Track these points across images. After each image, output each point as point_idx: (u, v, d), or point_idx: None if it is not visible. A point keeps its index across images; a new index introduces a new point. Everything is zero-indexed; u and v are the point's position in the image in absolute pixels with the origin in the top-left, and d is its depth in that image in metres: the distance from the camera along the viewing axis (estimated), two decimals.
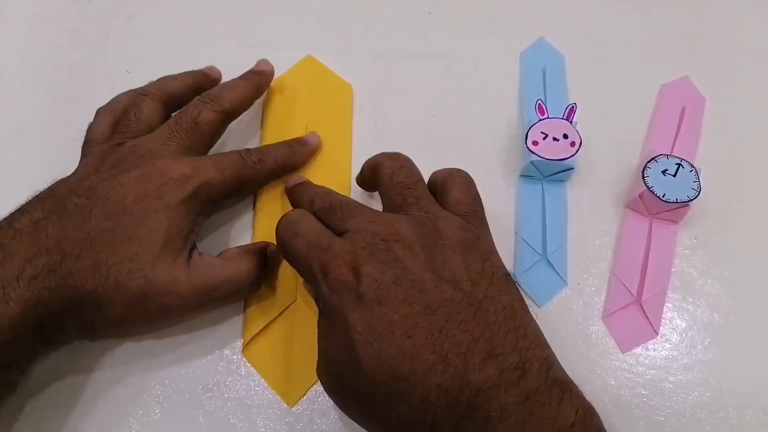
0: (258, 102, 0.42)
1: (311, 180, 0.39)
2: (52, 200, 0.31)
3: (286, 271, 0.37)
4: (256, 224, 0.38)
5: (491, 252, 0.29)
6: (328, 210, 0.31)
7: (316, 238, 0.29)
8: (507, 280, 0.28)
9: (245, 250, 0.35)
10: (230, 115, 0.38)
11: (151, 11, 0.47)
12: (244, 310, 0.36)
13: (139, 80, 0.43)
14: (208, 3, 0.47)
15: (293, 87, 0.43)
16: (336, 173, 0.40)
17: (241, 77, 0.40)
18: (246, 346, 0.35)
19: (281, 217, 0.31)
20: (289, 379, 0.34)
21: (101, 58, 0.45)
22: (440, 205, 0.31)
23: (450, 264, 0.27)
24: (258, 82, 0.40)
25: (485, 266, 0.28)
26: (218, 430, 0.34)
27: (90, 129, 0.37)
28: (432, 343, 0.25)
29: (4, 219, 0.30)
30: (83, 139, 0.36)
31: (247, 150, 0.36)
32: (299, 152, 0.39)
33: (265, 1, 0.47)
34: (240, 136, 0.42)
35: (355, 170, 0.40)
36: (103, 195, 0.31)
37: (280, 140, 0.41)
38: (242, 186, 0.36)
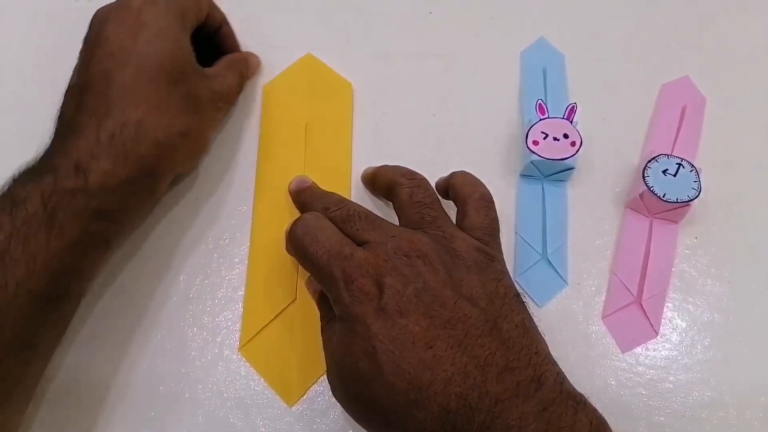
0: (256, 100, 0.42)
1: (312, 178, 0.39)
2: (76, 83, 0.34)
3: (285, 272, 0.37)
4: (255, 222, 0.38)
5: (504, 272, 0.30)
6: (346, 219, 0.31)
7: (337, 246, 0.29)
8: (518, 300, 0.29)
9: (229, 63, 0.39)
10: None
11: None
12: (244, 309, 0.36)
13: None
14: None
15: (292, 85, 0.43)
16: (336, 172, 0.40)
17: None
18: (244, 344, 0.35)
19: (297, 221, 0.31)
20: (288, 378, 0.35)
21: None
22: (458, 222, 0.33)
23: (467, 282, 0.28)
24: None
25: (498, 286, 0.29)
26: (218, 430, 0.34)
27: None
28: (452, 355, 0.26)
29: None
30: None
31: None
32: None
33: (265, 0, 0.47)
34: (237, 134, 0.42)
35: (355, 168, 0.40)
36: (106, 47, 0.33)
37: (280, 140, 0.41)
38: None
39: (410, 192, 0.33)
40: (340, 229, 0.31)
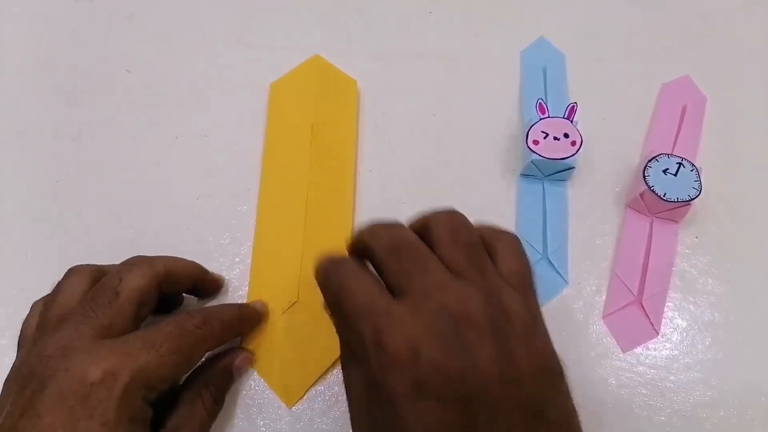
0: (262, 102, 0.42)
1: (317, 177, 0.38)
2: None
3: (287, 272, 0.37)
4: (258, 221, 0.38)
5: (548, 337, 0.26)
6: (393, 250, 0.26)
7: (370, 299, 0.25)
8: (563, 378, 0.25)
9: (199, 387, 0.31)
10: (163, 281, 0.31)
11: (151, 11, 0.47)
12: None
13: (139, 80, 0.44)
14: (208, 3, 0.47)
15: (299, 84, 0.43)
16: (341, 173, 0.40)
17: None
18: (244, 345, 0.35)
19: (327, 264, 0.27)
20: (288, 379, 0.34)
21: (101, 58, 0.45)
22: None
23: (516, 359, 0.24)
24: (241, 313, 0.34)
25: (545, 360, 0.25)
26: (218, 429, 0.33)
27: (23, 324, 0.31)
28: None
29: None
30: (83, 139, 0.35)
31: (188, 313, 0.30)
32: (248, 316, 0.34)
33: (265, 1, 0.47)
34: (241, 132, 0.42)
35: (360, 169, 0.40)
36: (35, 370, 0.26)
37: (285, 138, 0.40)
38: (187, 359, 0.29)
39: (452, 229, 0.27)
40: (382, 266, 0.26)
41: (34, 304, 0.32)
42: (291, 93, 0.43)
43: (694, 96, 0.43)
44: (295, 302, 0.36)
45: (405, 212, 0.39)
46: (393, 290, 0.25)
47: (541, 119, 0.39)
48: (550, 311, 0.37)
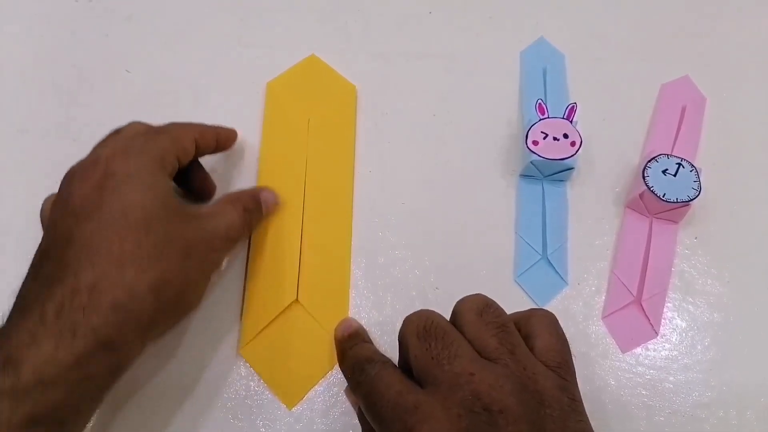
0: (261, 102, 0.42)
1: (314, 178, 0.39)
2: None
3: (286, 272, 0.37)
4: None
5: (585, 416, 0.25)
6: (422, 336, 0.26)
7: (400, 396, 0.24)
8: None
9: (230, 199, 0.34)
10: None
11: (151, 11, 0.47)
12: (244, 310, 0.36)
13: (139, 80, 0.44)
14: (208, 3, 0.47)
15: (296, 84, 0.43)
16: (339, 172, 0.40)
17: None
18: (244, 346, 0.35)
19: (354, 363, 0.28)
20: (288, 380, 0.34)
21: (101, 58, 0.45)
22: (525, 342, 0.27)
23: None
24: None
25: None
26: (218, 430, 0.34)
27: None
28: None
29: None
30: (83, 139, 0.36)
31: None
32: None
33: (265, 1, 0.47)
34: (243, 137, 0.42)
35: (360, 169, 0.40)
36: (70, 204, 0.29)
37: (282, 139, 0.41)
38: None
39: (478, 310, 0.27)
40: (413, 350, 0.26)
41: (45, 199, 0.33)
42: (287, 91, 0.43)
43: (694, 96, 0.43)
44: (294, 302, 0.36)
45: (405, 212, 0.39)
46: (422, 380, 0.25)
47: (540, 120, 0.39)
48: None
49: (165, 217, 0.29)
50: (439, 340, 0.25)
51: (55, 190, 0.31)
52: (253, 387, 0.35)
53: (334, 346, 0.32)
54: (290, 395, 0.34)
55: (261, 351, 0.35)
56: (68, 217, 0.29)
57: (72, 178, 0.30)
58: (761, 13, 0.47)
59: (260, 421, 0.34)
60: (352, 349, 0.30)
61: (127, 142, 0.32)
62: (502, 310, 0.27)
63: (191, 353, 0.35)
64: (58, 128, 0.42)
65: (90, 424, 0.33)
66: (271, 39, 0.46)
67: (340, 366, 0.30)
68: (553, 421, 0.24)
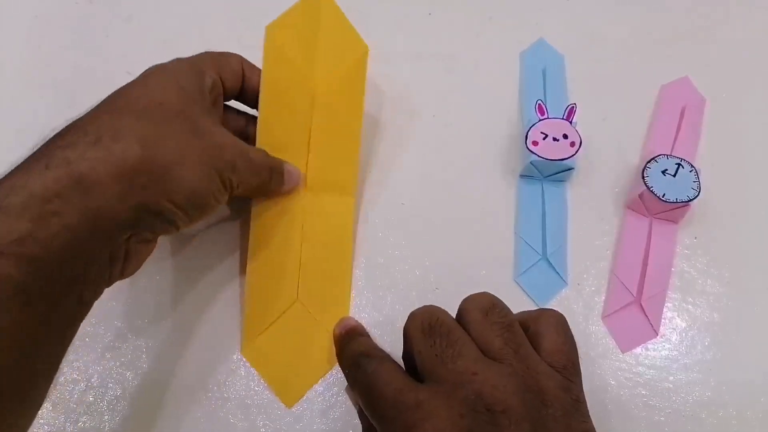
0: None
1: (317, 157, 0.37)
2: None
3: (286, 272, 0.37)
4: (254, 218, 0.37)
5: (588, 417, 0.25)
6: (426, 332, 0.26)
7: (400, 393, 0.24)
8: None
9: (269, 157, 0.34)
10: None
11: (151, 11, 0.47)
12: (244, 311, 0.36)
13: None
14: (208, 3, 0.47)
15: (300, 34, 0.36)
16: (344, 148, 0.38)
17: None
18: (245, 345, 0.35)
19: (352, 357, 0.27)
20: (288, 380, 0.35)
21: (101, 58, 0.45)
22: (531, 343, 0.27)
23: None
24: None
25: None
26: (218, 430, 0.34)
27: None
28: None
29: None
30: None
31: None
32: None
33: (265, 1, 0.47)
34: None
35: (360, 169, 0.40)
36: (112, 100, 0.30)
37: (280, 124, 0.36)
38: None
39: (484, 309, 0.27)
40: (417, 346, 0.26)
41: None
42: (290, 43, 0.36)
43: (693, 97, 0.43)
44: (295, 302, 0.36)
45: (405, 212, 0.39)
46: (424, 376, 0.25)
47: (540, 120, 0.39)
48: None
49: (199, 112, 0.30)
50: (444, 337, 0.25)
51: None
52: (253, 387, 0.35)
53: (334, 345, 0.32)
54: (290, 395, 0.34)
55: (262, 351, 0.35)
56: (119, 92, 0.30)
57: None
58: (761, 13, 0.47)
59: (260, 420, 0.34)
60: (349, 345, 0.29)
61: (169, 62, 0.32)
62: (508, 309, 0.27)
63: (192, 354, 0.35)
64: (58, 128, 0.42)
65: (91, 424, 0.33)
66: None
67: (339, 363, 0.29)
68: (555, 421, 0.23)
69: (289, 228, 0.37)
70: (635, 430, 0.34)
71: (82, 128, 0.27)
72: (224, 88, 0.34)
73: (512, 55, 0.45)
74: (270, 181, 0.34)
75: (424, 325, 0.26)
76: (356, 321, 0.33)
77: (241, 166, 0.31)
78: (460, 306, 0.27)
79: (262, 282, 0.36)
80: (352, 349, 0.28)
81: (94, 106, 0.29)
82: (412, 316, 0.27)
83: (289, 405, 0.34)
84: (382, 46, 0.46)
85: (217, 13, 0.47)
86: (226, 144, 0.30)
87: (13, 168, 0.25)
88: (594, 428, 0.25)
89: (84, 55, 0.45)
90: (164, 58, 0.45)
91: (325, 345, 0.35)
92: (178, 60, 0.33)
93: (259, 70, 0.35)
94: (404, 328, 0.27)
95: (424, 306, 0.27)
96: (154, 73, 0.31)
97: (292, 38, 0.35)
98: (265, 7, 0.47)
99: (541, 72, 0.44)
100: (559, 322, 0.27)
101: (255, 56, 0.44)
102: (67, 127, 0.28)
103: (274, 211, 0.37)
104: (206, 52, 0.34)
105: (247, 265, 0.37)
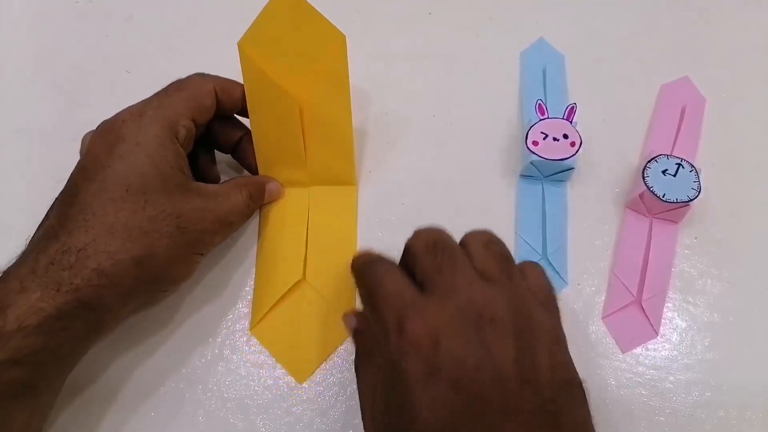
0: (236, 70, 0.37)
1: (316, 154, 0.38)
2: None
3: (292, 255, 0.37)
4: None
5: (568, 351, 0.27)
6: (429, 248, 0.27)
7: (399, 291, 0.26)
8: (582, 391, 0.26)
9: (237, 183, 0.35)
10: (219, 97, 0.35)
11: (151, 11, 0.47)
12: (254, 290, 0.37)
13: (139, 80, 0.44)
14: (208, 3, 0.47)
15: (274, 39, 0.35)
16: (339, 141, 0.38)
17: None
18: (254, 324, 0.36)
19: (365, 259, 0.29)
20: (298, 356, 0.35)
21: (101, 58, 0.45)
22: None
23: (537, 364, 0.24)
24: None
25: (566, 371, 0.26)
26: (218, 430, 0.34)
27: None
28: None
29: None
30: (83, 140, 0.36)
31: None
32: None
33: (265, 1, 0.47)
34: None
35: (360, 170, 0.40)
36: (83, 159, 0.31)
37: (272, 113, 0.36)
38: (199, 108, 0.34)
39: (486, 242, 0.28)
40: (419, 259, 0.27)
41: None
42: (265, 51, 0.35)
43: (694, 97, 0.43)
44: (302, 280, 0.36)
45: (405, 212, 0.39)
46: (424, 285, 0.26)
47: (540, 120, 0.39)
48: None
49: (165, 191, 0.31)
50: (446, 253, 0.27)
51: (56, 190, 0.31)
52: (253, 387, 0.35)
53: (342, 321, 0.33)
54: (301, 371, 0.35)
55: (271, 329, 0.36)
56: (79, 171, 0.31)
57: (94, 134, 0.32)
58: (761, 13, 0.47)
59: (260, 421, 0.34)
60: (368, 255, 0.31)
61: (144, 105, 0.33)
62: (506, 246, 0.29)
63: (192, 354, 0.35)
64: (58, 128, 0.42)
65: (91, 424, 0.33)
66: None
67: (353, 267, 0.30)
68: (540, 345, 0.25)
69: (296, 215, 0.38)
70: (635, 430, 0.34)
71: (76, 240, 0.29)
72: (199, 124, 0.34)
73: (512, 55, 0.45)
74: (252, 211, 0.37)
75: (428, 241, 0.28)
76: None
77: (219, 232, 0.34)
78: (462, 239, 0.29)
79: (269, 265, 0.37)
80: (371, 257, 0.30)
81: (74, 174, 0.31)
82: (418, 233, 0.29)
83: (301, 381, 0.35)
84: (382, 46, 0.46)
85: (217, 13, 0.47)
86: (205, 223, 0.33)
87: (24, 272, 0.28)
88: (571, 359, 0.26)
89: (84, 55, 0.45)
90: (164, 57, 0.45)
91: (332, 322, 0.36)
92: (152, 116, 0.32)
93: (240, 84, 0.36)
94: (408, 243, 0.29)
95: (430, 226, 0.29)
96: (127, 149, 0.31)
97: (266, 49, 0.35)
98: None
99: (542, 72, 0.44)
100: (542, 269, 0.29)
101: None
102: (58, 225, 0.30)
103: (280, 204, 0.39)
104: (178, 91, 0.33)
105: (256, 254, 0.38)
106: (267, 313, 0.36)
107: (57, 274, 0.28)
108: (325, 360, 0.35)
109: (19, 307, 0.27)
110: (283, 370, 0.35)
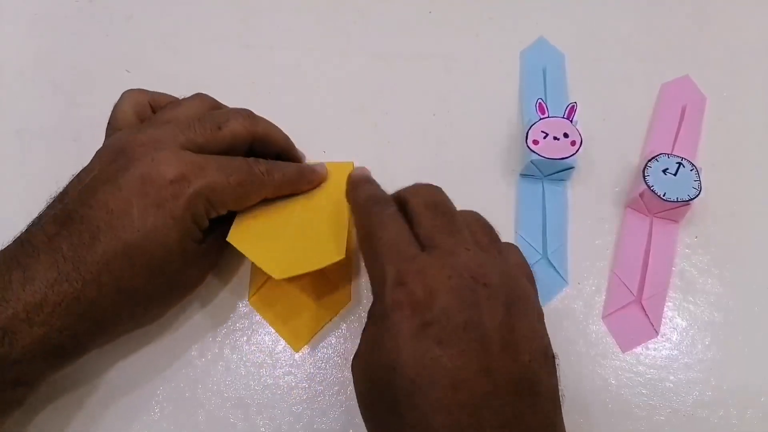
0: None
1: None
2: (62, 209, 0.30)
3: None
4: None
5: (544, 322, 0.28)
6: (430, 207, 0.28)
7: (403, 244, 0.27)
8: (554, 364, 0.27)
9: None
10: (257, 139, 0.35)
11: (151, 11, 0.47)
12: (252, 263, 0.37)
13: (139, 80, 0.44)
14: (208, 3, 0.47)
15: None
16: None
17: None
18: (253, 295, 0.36)
19: (367, 194, 0.30)
20: (293, 325, 0.36)
21: (101, 58, 0.45)
22: None
23: (519, 330, 0.25)
24: (303, 171, 0.36)
25: (543, 344, 0.26)
26: (218, 430, 0.34)
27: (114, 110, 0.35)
28: (475, 406, 0.23)
29: (23, 233, 0.30)
30: (83, 139, 0.36)
31: (256, 159, 0.34)
32: (308, 177, 0.36)
33: (265, 1, 0.47)
34: None
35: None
36: (104, 203, 0.29)
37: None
38: (245, 194, 0.33)
39: (476, 218, 0.30)
40: (419, 216, 0.28)
41: (126, 92, 0.35)
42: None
43: (694, 96, 0.43)
44: None
45: None
46: (423, 243, 0.27)
47: (540, 119, 0.39)
48: (549, 311, 0.36)
49: (166, 263, 0.31)
50: (447, 217, 0.28)
51: (56, 190, 0.31)
52: (253, 387, 0.35)
53: (337, 292, 0.33)
54: (297, 339, 0.36)
55: (267, 299, 0.36)
56: (115, 214, 0.29)
57: (123, 151, 0.31)
58: (761, 13, 0.47)
59: (260, 420, 0.34)
60: (362, 186, 0.31)
61: (183, 154, 0.31)
62: (494, 229, 0.30)
63: (191, 352, 0.35)
64: (58, 128, 0.42)
65: (91, 424, 0.33)
66: (271, 39, 0.46)
67: (352, 198, 0.30)
68: (524, 315, 0.26)
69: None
70: (635, 429, 0.34)
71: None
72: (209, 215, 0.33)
73: (512, 55, 0.45)
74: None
75: (428, 201, 0.29)
76: (369, 172, 0.35)
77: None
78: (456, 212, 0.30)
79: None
80: (376, 190, 0.31)
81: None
82: (418, 189, 0.30)
83: (296, 349, 0.35)
84: (382, 46, 0.46)
85: (217, 13, 0.47)
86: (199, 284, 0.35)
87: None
88: (550, 345, 0.27)
89: (84, 55, 0.45)
90: (164, 57, 0.45)
91: (327, 292, 0.36)
92: (159, 205, 0.30)
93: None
94: (405, 196, 0.29)
95: (427, 183, 0.30)
96: (129, 223, 0.30)
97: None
98: (266, 7, 0.47)
99: (542, 71, 0.44)
100: (519, 249, 0.30)
101: (254, 55, 0.45)
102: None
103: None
104: (205, 176, 0.31)
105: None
106: (264, 282, 0.36)
107: (63, 318, 0.28)
108: (320, 329, 0.36)
109: (28, 337, 0.27)
110: (284, 370, 0.35)
